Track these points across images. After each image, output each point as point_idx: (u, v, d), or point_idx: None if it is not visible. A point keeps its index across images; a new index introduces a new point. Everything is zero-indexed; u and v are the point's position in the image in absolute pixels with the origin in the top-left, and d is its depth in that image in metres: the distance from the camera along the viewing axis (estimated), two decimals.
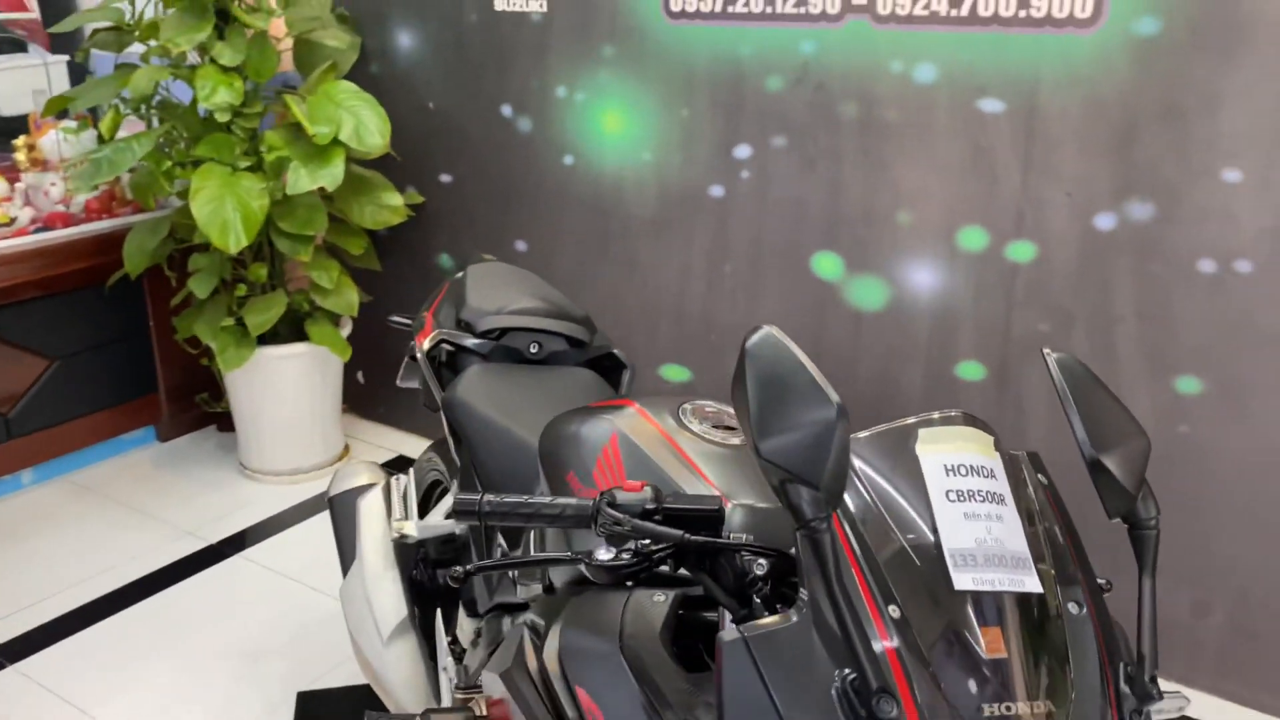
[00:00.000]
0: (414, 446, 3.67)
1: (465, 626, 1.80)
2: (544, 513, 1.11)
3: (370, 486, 2.13)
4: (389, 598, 1.98)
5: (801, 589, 0.92)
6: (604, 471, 1.34)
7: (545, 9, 2.98)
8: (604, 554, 1.05)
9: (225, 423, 3.71)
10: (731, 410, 1.45)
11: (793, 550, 1.04)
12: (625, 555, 1.04)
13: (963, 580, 0.92)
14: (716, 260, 2.88)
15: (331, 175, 2.94)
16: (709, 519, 1.06)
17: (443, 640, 1.86)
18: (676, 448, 1.35)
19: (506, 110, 3.17)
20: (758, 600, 1.04)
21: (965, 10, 2.36)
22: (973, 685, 0.90)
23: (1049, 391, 2.49)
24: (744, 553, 1.05)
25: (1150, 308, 2.32)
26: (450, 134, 3.32)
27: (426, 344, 2.02)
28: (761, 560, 1.05)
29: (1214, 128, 2.16)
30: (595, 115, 2.99)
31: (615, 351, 2.08)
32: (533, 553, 1.51)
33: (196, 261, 3.16)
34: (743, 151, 2.76)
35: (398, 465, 3.49)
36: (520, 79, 3.11)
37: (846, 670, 0.89)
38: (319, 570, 2.91)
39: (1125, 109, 2.25)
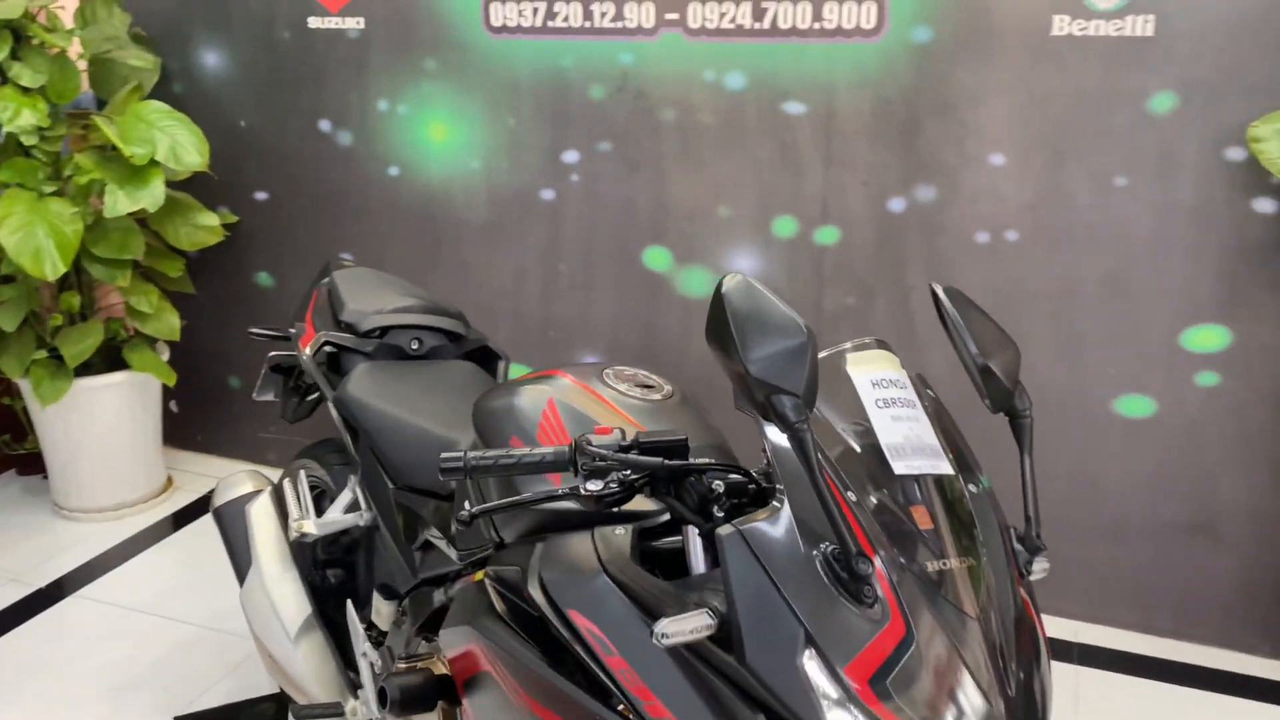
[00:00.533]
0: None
1: (383, 610, 1.88)
2: (525, 461, 1.25)
3: (256, 493, 2.15)
4: (291, 597, 2.02)
5: (778, 486, 1.11)
6: (546, 432, 1.49)
7: (362, 25, 3.05)
8: (593, 485, 1.20)
9: (27, 465, 3.51)
10: (646, 372, 1.64)
11: (755, 470, 1.25)
12: (612, 485, 1.20)
13: (899, 467, 1.15)
14: (551, 260, 3.05)
15: (152, 196, 2.88)
16: (677, 449, 1.24)
17: (359, 627, 1.93)
18: (608, 404, 1.51)
19: (325, 125, 3.20)
20: (720, 514, 1.22)
21: (767, 23, 2.65)
22: (914, 548, 1.12)
23: None
24: (706, 476, 1.23)
25: (939, 276, 2.70)
26: (265, 151, 3.31)
27: (309, 349, 2.07)
28: (719, 481, 1.23)
29: (980, 119, 2.56)
30: (420, 127, 3.08)
31: (489, 344, 2.22)
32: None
33: (1, 293, 2.99)
34: (571, 156, 2.94)
35: None
36: (339, 94, 3.16)
37: (824, 544, 1.09)
38: (171, 599, 2.84)
39: (908, 106, 2.61)
